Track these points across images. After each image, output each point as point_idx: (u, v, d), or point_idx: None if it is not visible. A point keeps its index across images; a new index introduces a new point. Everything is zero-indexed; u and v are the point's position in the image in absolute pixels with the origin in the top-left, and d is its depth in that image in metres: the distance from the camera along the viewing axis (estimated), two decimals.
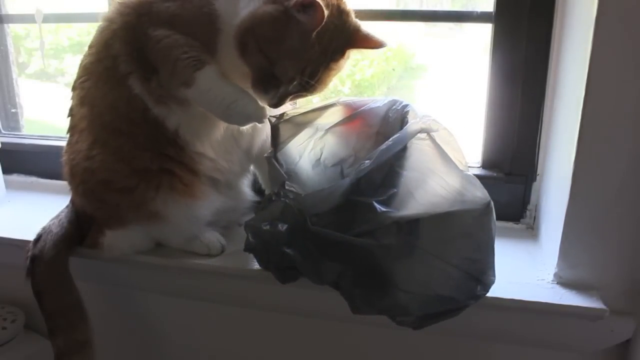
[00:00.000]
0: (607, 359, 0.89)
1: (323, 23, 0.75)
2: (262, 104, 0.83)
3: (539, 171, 1.01)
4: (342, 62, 0.83)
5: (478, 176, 0.96)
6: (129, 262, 0.95)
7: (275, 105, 0.83)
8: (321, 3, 0.75)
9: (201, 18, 0.80)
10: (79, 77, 0.92)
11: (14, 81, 1.36)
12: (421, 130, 0.80)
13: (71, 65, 1.47)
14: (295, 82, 0.80)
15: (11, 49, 1.34)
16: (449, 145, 0.82)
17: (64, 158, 0.95)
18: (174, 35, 0.80)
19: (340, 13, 0.80)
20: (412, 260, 0.75)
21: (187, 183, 0.89)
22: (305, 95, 0.85)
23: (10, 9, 1.32)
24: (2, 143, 1.24)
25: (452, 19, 1.11)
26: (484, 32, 1.01)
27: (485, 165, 1.05)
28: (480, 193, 0.79)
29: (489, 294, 0.79)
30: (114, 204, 0.89)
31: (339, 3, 0.81)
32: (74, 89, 0.93)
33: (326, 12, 0.75)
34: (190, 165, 0.89)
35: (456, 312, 0.77)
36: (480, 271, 0.78)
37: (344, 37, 0.81)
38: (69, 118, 0.96)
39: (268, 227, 0.80)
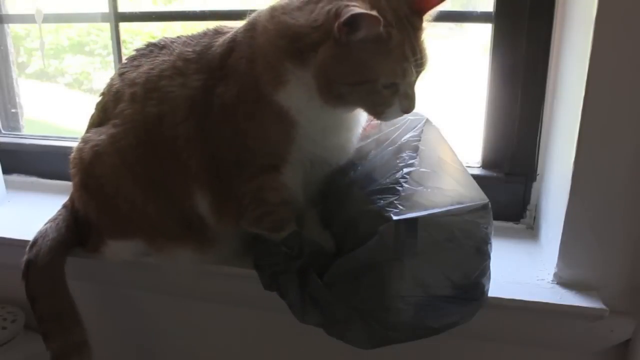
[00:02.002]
0: (607, 359, 0.89)
1: (381, 21, 0.66)
2: (398, 116, 0.77)
3: (539, 171, 1.01)
4: (423, 24, 0.74)
5: (478, 176, 0.97)
6: (129, 263, 0.95)
7: (412, 105, 0.75)
8: (358, 7, 0.66)
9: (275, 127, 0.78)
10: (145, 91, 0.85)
11: (14, 81, 1.36)
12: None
13: (71, 65, 1.47)
14: (407, 72, 0.72)
15: (11, 49, 1.34)
16: (443, 147, 0.83)
17: (77, 158, 0.91)
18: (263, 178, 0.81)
19: None
20: (410, 262, 0.75)
21: (202, 242, 0.88)
22: (421, 73, 0.76)
23: (10, 9, 1.32)
24: (2, 143, 1.24)
25: (452, 19, 1.11)
26: (484, 32, 1.01)
27: (485, 165, 1.05)
28: (478, 194, 0.80)
29: (489, 294, 0.79)
30: (123, 222, 0.89)
31: None
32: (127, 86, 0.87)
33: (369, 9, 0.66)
34: (210, 234, 0.88)
35: (452, 325, 0.78)
36: (475, 276, 0.78)
37: (405, 5, 0.72)
38: (99, 112, 0.91)
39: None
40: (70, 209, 0.96)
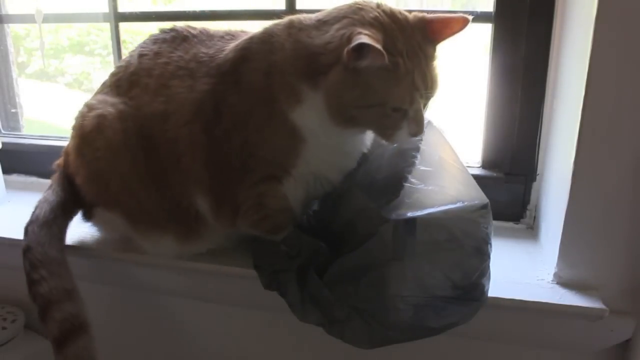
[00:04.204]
0: (607, 359, 0.89)
1: (384, 49, 0.67)
2: (406, 139, 0.78)
3: (539, 171, 1.01)
4: (435, 52, 0.76)
5: (478, 176, 0.97)
6: (128, 262, 0.95)
7: (420, 130, 0.75)
8: (368, 36, 0.67)
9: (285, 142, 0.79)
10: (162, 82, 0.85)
11: (14, 81, 1.36)
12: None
13: (71, 65, 1.47)
14: (416, 99, 0.73)
15: (11, 49, 1.35)
16: (444, 147, 0.83)
17: (78, 122, 0.91)
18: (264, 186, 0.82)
19: (394, 17, 0.73)
20: (409, 262, 0.75)
21: (187, 235, 0.89)
22: (431, 99, 0.77)
23: (10, 9, 1.32)
24: (2, 143, 1.24)
25: None
26: (484, 32, 1.01)
27: (485, 165, 1.05)
28: (478, 194, 0.80)
29: (489, 294, 0.79)
30: (108, 197, 0.89)
31: (385, 9, 0.74)
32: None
33: (378, 39, 0.68)
34: (201, 225, 0.88)
35: (451, 325, 0.78)
36: (475, 277, 0.78)
37: (419, 34, 0.74)
38: (113, 85, 0.91)
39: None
40: (62, 168, 0.97)
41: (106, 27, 1.23)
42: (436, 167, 0.80)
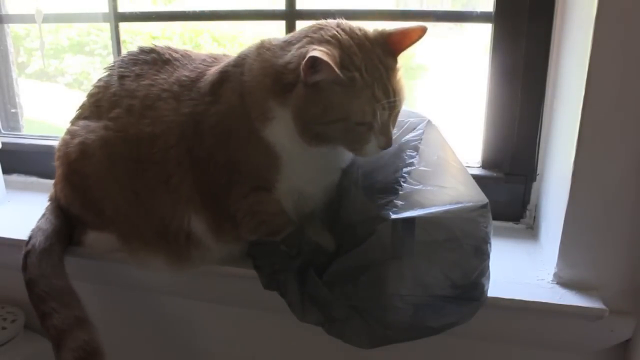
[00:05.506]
0: (607, 359, 0.89)
1: (337, 62, 0.69)
2: (376, 152, 0.77)
3: (538, 171, 1.01)
4: (398, 67, 0.77)
5: (478, 176, 0.97)
6: (128, 263, 0.95)
7: (389, 142, 0.76)
8: (321, 51, 0.69)
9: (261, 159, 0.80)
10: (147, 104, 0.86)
11: (14, 81, 1.36)
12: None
13: (71, 65, 1.47)
14: (379, 111, 0.73)
15: (11, 49, 1.35)
16: (443, 147, 0.83)
17: (62, 151, 0.92)
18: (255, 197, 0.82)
19: (353, 34, 0.75)
20: (408, 261, 0.75)
21: (177, 256, 0.89)
22: (397, 113, 0.77)
23: (10, 9, 1.33)
24: (2, 143, 1.24)
25: (452, 19, 1.11)
26: (484, 32, 1.01)
27: (485, 165, 1.05)
28: (477, 194, 0.80)
29: (489, 294, 0.79)
30: (106, 220, 0.90)
31: (344, 27, 0.76)
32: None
33: (332, 55, 0.70)
34: (192, 248, 0.89)
35: (451, 325, 0.78)
36: (475, 276, 0.78)
37: (379, 48, 0.75)
38: (92, 105, 0.92)
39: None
40: (54, 199, 0.98)
41: (106, 27, 1.23)
42: (436, 167, 0.80)
